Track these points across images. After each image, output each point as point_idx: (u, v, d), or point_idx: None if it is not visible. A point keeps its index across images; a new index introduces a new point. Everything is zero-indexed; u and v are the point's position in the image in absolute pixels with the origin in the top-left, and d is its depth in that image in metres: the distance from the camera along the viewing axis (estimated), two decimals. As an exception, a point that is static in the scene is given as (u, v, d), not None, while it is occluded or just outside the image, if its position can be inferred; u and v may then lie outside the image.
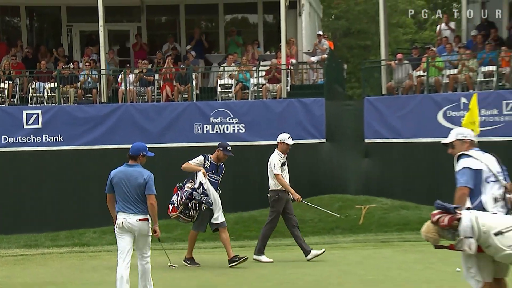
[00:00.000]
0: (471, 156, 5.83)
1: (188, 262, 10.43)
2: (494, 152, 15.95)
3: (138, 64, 19.55)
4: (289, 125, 17.99)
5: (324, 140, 18.17)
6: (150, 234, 7.82)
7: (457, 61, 17.94)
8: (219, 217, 10.28)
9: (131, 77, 18.95)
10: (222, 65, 19.80)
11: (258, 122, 17.98)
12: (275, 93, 18.81)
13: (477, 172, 5.74)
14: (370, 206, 15.91)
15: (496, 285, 5.79)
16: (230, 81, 19.01)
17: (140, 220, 7.65)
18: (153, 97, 18.94)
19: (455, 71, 17.77)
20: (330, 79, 19.60)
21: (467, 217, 5.53)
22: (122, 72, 18.98)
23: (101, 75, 18.97)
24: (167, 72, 19.07)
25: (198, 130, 17.98)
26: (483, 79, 17.53)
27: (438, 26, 21.00)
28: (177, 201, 10.17)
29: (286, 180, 10.89)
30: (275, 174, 10.71)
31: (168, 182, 17.35)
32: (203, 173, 10.19)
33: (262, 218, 15.96)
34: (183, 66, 19.52)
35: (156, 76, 19.22)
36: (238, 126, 18.05)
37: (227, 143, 11.06)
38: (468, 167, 5.76)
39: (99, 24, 18.61)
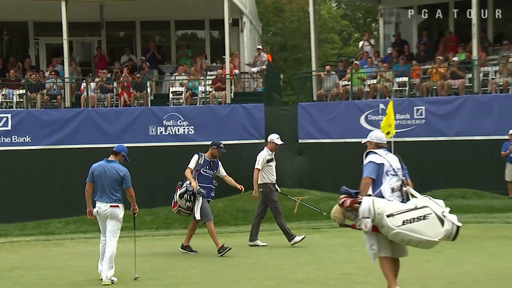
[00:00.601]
0: (376, 153, 6.16)
1: (187, 250, 9.99)
2: (407, 150, 16.10)
3: (98, 73, 19.27)
4: (233, 127, 18.07)
5: (263, 140, 18.21)
6: (120, 221, 7.98)
7: (376, 72, 18.31)
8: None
9: (92, 85, 18.65)
10: (174, 74, 19.69)
11: (205, 124, 17.96)
12: (220, 99, 18.81)
13: (380, 166, 6.06)
14: (303, 198, 16.04)
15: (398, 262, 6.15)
16: (180, 89, 18.92)
17: (111, 206, 7.90)
18: (112, 102, 18.68)
19: (375, 81, 18.13)
20: (269, 87, 19.72)
21: (366, 201, 5.88)
22: (84, 80, 18.68)
23: (65, 83, 18.62)
24: (125, 80, 18.85)
25: (152, 132, 17.85)
26: (397, 88, 17.93)
27: (361, 42, 21.37)
28: (176, 196, 9.85)
29: (274, 174, 10.69)
30: (255, 167, 10.59)
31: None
32: (193, 186, 9.75)
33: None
34: (139, 75, 19.34)
35: (115, 84, 18.98)
36: (188, 128, 17.99)
37: (219, 141, 10.64)
38: (372, 162, 6.10)
39: (63, 38, 18.29)
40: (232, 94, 19.09)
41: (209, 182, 10.13)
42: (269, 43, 35.76)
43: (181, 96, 18.86)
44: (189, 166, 10.01)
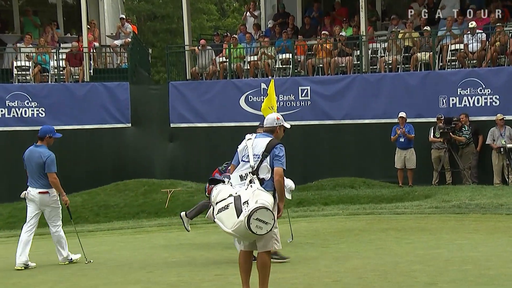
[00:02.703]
0: (244, 138, 6.52)
1: (277, 257, 8.58)
2: (291, 135, 16.48)
3: None
4: (93, 109, 17.72)
5: (129, 125, 18.08)
6: (56, 205, 8.86)
7: (257, 48, 18.56)
8: None
9: None
10: (18, 46, 18.83)
11: (59, 106, 17.51)
12: (77, 77, 18.33)
13: (239, 152, 6.47)
14: (175, 190, 16.03)
15: (258, 257, 6.33)
16: (27, 63, 18.18)
17: (39, 192, 8.77)
18: None
19: (255, 58, 18.38)
20: (135, 63, 19.50)
21: (214, 189, 6.33)
22: None
23: None
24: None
25: (-8, 114, 17.12)
26: (280, 66, 18.31)
27: (245, 13, 21.48)
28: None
29: None
30: None
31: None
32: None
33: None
34: (-27, 46, 18.33)
35: None
36: (37, 110, 17.43)
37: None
38: (238, 148, 6.53)
39: None
40: (92, 71, 18.70)
41: None
42: (135, 11, 35.16)
43: (28, 72, 18.16)
44: None
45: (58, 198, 8.90)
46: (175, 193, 15.88)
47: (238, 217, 5.94)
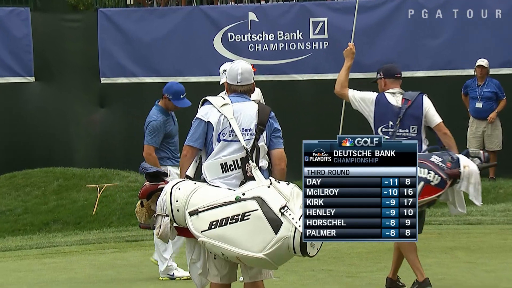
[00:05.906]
0: (210, 103, 6.46)
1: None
2: (295, 96, 16.48)
3: None
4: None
5: (32, 79, 18.03)
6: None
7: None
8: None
9: None
10: None
11: None
12: None
13: (209, 126, 6.38)
14: (109, 185, 16.04)
15: None
16: None
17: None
18: None
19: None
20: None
21: (165, 189, 6.27)
22: None
23: None
24: None
25: None
26: (279, -17, 18.29)
27: None
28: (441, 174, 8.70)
29: None
30: None
31: None
32: None
33: None
34: None
35: None
36: None
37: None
38: (199, 118, 6.43)
39: None
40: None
41: None
42: None
43: None
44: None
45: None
46: (109, 191, 15.89)
47: (276, 232, 5.90)
